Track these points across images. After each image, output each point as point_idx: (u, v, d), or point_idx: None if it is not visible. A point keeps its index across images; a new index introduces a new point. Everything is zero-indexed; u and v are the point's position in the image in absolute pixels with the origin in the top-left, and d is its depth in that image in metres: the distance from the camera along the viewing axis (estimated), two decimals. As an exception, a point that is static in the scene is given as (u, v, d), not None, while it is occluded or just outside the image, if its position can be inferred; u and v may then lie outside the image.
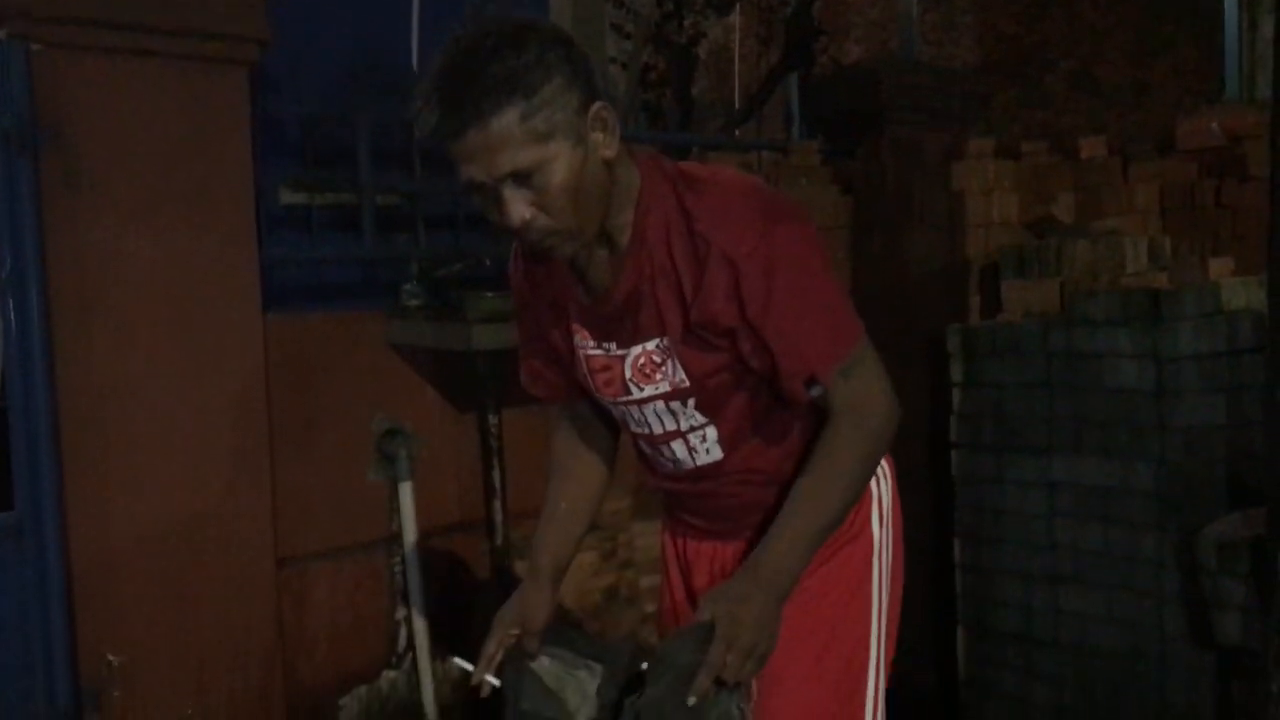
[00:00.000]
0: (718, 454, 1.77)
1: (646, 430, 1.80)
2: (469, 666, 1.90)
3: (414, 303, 3.68)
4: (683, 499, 1.90)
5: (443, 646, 3.86)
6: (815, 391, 1.65)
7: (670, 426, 1.76)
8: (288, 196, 3.66)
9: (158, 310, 3.20)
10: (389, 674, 3.81)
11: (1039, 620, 2.82)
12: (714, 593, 1.65)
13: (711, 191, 1.61)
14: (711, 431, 1.75)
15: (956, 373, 2.97)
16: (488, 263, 3.75)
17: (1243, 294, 2.78)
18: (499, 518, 3.82)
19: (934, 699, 3.23)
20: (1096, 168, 4.12)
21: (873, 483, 1.79)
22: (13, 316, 2.98)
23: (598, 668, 1.81)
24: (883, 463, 1.82)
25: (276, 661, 3.47)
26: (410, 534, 3.73)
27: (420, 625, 3.77)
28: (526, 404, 3.88)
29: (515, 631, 1.85)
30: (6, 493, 3.07)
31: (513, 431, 3.85)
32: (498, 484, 3.82)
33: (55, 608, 3.02)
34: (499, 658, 1.86)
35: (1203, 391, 2.60)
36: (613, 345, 1.73)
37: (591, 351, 1.76)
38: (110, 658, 3.13)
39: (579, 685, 1.81)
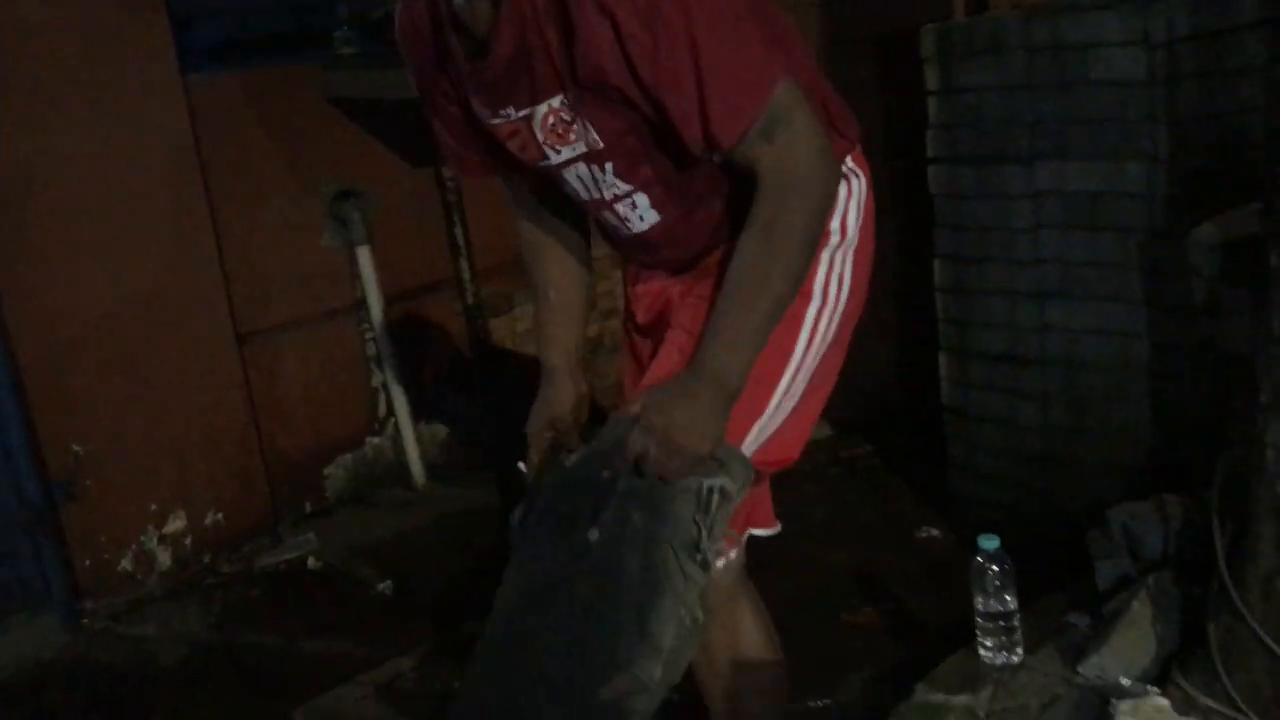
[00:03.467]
0: (653, 218, 1.61)
1: (578, 197, 1.65)
2: (523, 468, 1.80)
3: (348, 50, 3.40)
4: (632, 256, 1.79)
5: (423, 409, 3.81)
6: (717, 158, 1.47)
7: (595, 195, 1.61)
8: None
9: (68, 76, 2.95)
10: (372, 440, 3.77)
11: (1025, 338, 2.68)
12: (654, 387, 1.54)
13: None
14: (641, 198, 1.59)
15: (932, 79, 2.70)
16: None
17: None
18: (466, 275, 3.67)
19: (918, 427, 3.14)
20: None
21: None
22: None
23: None
24: (851, 163, 1.65)
25: (252, 436, 3.40)
26: (375, 299, 3.60)
27: (398, 390, 3.70)
28: (470, 179, 3.67)
29: (549, 434, 1.76)
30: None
31: (472, 184, 3.63)
32: (461, 241, 3.64)
33: (6, 400, 2.93)
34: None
35: (1199, 77, 2.34)
36: (510, 110, 1.53)
37: (493, 121, 1.57)
38: (75, 447, 3.06)
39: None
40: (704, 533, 1.50)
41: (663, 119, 1.45)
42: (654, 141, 1.51)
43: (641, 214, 1.61)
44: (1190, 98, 2.38)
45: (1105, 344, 2.55)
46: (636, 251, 1.74)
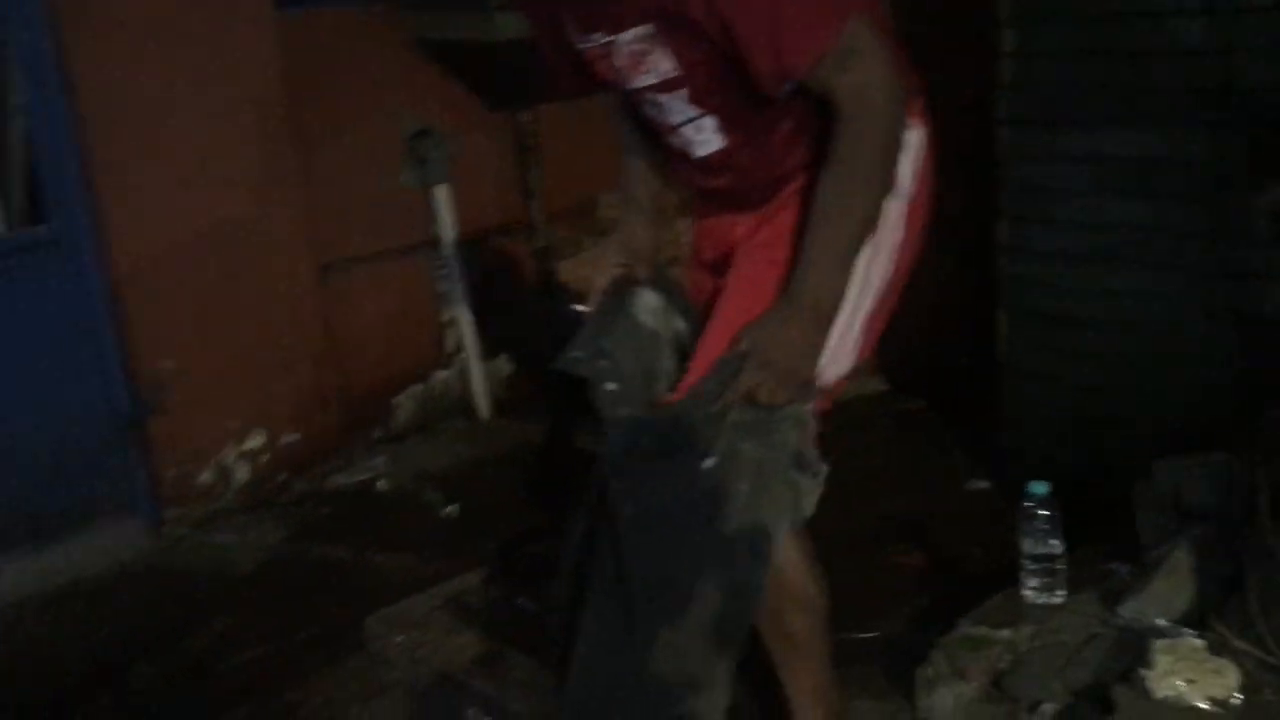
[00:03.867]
0: (718, 143, 1.69)
1: (651, 121, 1.74)
2: (584, 308, 1.90)
3: (434, -8, 3.49)
4: (697, 184, 1.85)
5: (491, 345, 3.94)
6: (786, 89, 1.55)
7: (665, 120, 1.70)
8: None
9: (164, 15, 3.08)
10: (440, 373, 3.91)
11: (1082, 300, 2.74)
12: (754, 320, 1.64)
13: None
14: (708, 122, 1.67)
15: (1007, 41, 2.76)
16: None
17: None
18: (539, 219, 3.78)
19: (973, 384, 3.21)
20: None
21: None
22: (22, 34, 2.89)
23: (684, 326, 1.83)
24: (907, 118, 1.70)
25: (328, 364, 3.55)
26: (449, 237, 3.72)
27: (467, 326, 3.83)
28: (560, 99, 3.76)
29: (622, 261, 1.86)
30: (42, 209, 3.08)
31: (548, 128, 3.74)
32: (534, 184, 3.74)
33: (102, 316, 3.09)
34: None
35: (1264, 48, 2.38)
36: (599, 34, 1.64)
37: (582, 44, 1.68)
38: (164, 364, 3.22)
39: (672, 331, 1.82)
40: (808, 449, 1.65)
41: (736, 51, 1.53)
42: (725, 74, 1.59)
43: (707, 138, 1.69)
44: (1255, 67, 2.42)
45: (1160, 307, 2.61)
46: (700, 177, 1.80)
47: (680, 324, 1.85)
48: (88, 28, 2.95)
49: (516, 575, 2.70)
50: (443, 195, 3.67)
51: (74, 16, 2.93)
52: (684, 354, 1.80)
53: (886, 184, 1.60)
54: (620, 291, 1.84)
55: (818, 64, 1.50)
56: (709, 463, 1.63)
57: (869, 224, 1.60)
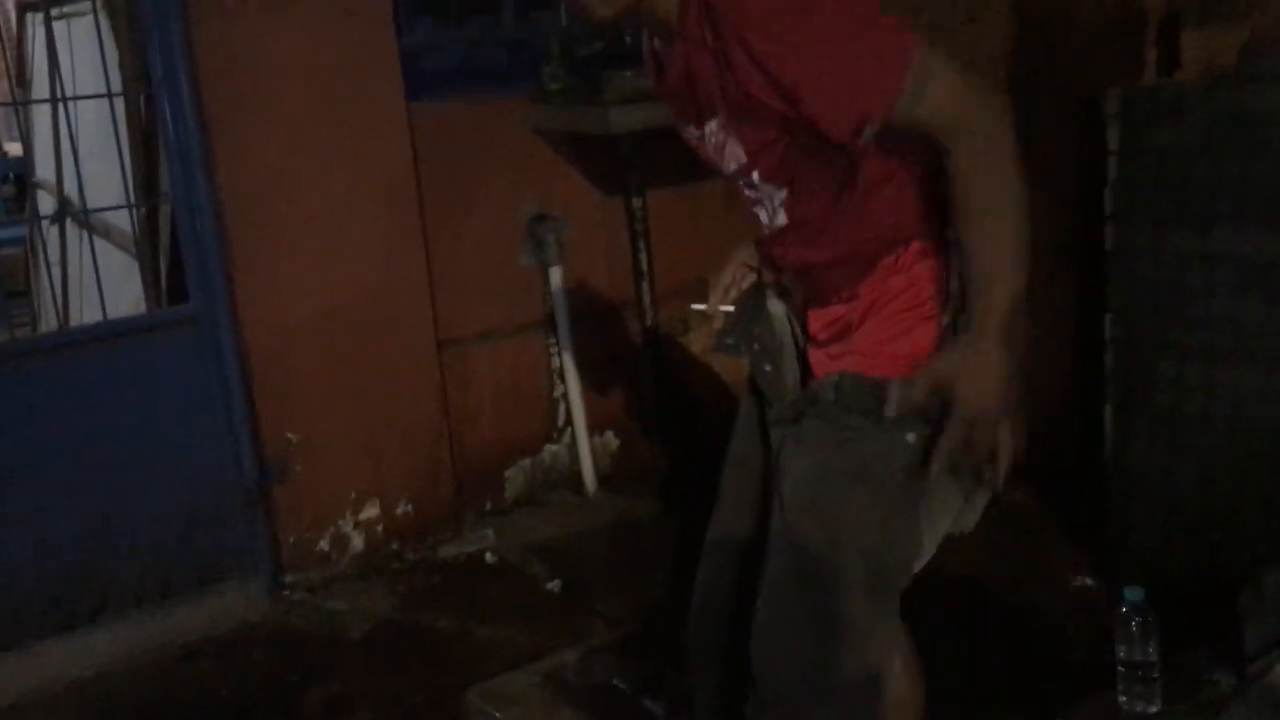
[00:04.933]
0: (783, 219, 1.72)
1: (749, 201, 1.79)
2: (701, 307, 1.95)
3: (555, 86, 3.65)
4: (775, 260, 1.85)
5: (599, 420, 4.04)
6: (868, 133, 1.53)
7: (748, 194, 1.76)
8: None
9: (305, 102, 3.28)
10: (550, 447, 4.01)
11: (1190, 396, 2.71)
12: (946, 355, 1.58)
13: None
14: (780, 195, 1.70)
15: (1113, 139, 2.78)
16: (628, 40, 3.66)
17: None
18: (647, 299, 3.88)
19: (1081, 477, 3.18)
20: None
21: None
22: (169, 117, 3.12)
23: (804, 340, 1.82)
24: None
25: (443, 436, 3.68)
26: (563, 316, 3.84)
27: (577, 401, 3.93)
28: (670, 185, 3.89)
29: (752, 264, 1.90)
30: (185, 287, 3.29)
31: (657, 213, 3.85)
32: (645, 265, 3.85)
33: (235, 389, 3.27)
34: (733, 290, 1.91)
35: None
36: (690, 126, 1.73)
37: (686, 136, 1.77)
38: (289, 435, 3.38)
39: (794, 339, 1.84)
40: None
41: (807, 117, 1.53)
42: (799, 149, 1.61)
43: (776, 210, 1.72)
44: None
45: (1271, 408, 2.58)
46: (774, 248, 1.81)
47: (801, 337, 1.83)
48: (234, 118, 3.17)
49: (612, 653, 2.76)
50: (557, 276, 3.80)
51: (223, 110, 3.15)
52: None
53: (1018, 177, 1.53)
54: (754, 292, 1.89)
55: (894, 105, 1.50)
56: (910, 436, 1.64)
57: (1018, 230, 1.53)
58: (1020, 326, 1.55)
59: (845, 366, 1.69)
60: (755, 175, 1.69)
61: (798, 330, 1.81)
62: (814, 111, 1.52)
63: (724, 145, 1.68)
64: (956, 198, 1.55)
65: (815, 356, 1.75)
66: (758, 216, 1.80)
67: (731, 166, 1.71)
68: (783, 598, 1.72)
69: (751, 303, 1.87)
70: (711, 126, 1.67)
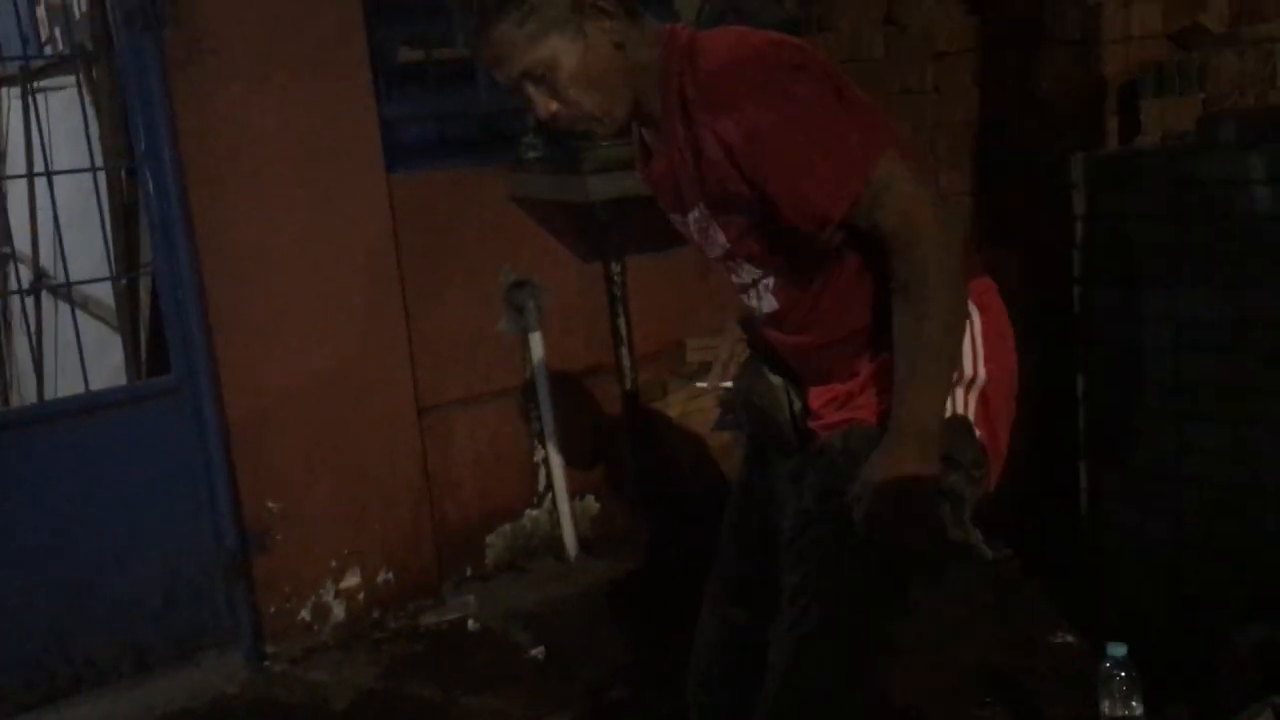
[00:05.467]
0: (772, 304, 1.78)
1: (733, 285, 1.85)
2: (704, 384, 2.02)
3: (532, 155, 3.71)
4: (764, 341, 1.92)
5: (580, 485, 4.05)
6: (829, 231, 1.62)
7: (735, 280, 1.82)
8: (406, 54, 3.70)
9: (286, 174, 3.32)
10: (531, 512, 4.02)
11: (1162, 455, 2.77)
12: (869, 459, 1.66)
13: (704, 71, 1.61)
14: (768, 281, 1.76)
15: (1079, 204, 2.86)
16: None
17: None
18: (626, 363, 3.92)
19: (1058, 534, 3.22)
20: (1254, -35, 3.77)
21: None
22: (151, 189, 3.15)
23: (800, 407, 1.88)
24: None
25: (424, 502, 3.68)
26: (543, 381, 3.87)
27: (558, 466, 3.95)
28: (647, 251, 3.95)
29: (746, 338, 1.95)
30: (166, 358, 3.31)
31: (635, 278, 3.90)
32: (624, 330, 3.89)
33: (216, 458, 3.27)
34: (732, 365, 1.96)
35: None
36: (677, 215, 1.80)
37: (670, 214, 1.83)
38: (270, 504, 3.38)
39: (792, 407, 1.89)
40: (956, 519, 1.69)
41: (774, 210, 1.61)
42: (773, 238, 1.68)
43: (763, 298, 1.78)
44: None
45: (1240, 465, 2.63)
46: (779, 336, 1.86)
47: (799, 404, 1.88)
48: (216, 190, 3.20)
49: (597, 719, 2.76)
50: (537, 341, 3.84)
51: (205, 182, 3.18)
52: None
53: (956, 296, 1.61)
54: (751, 365, 1.94)
55: (852, 208, 1.58)
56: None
57: (949, 343, 1.61)
58: (939, 437, 1.61)
59: (853, 417, 1.74)
60: (739, 260, 1.75)
61: (796, 403, 1.86)
62: (779, 206, 1.60)
63: (707, 230, 1.74)
64: (896, 302, 1.62)
65: (818, 426, 1.80)
66: (744, 301, 1.85)
67: (716, 252, 1.77)
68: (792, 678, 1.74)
69: (750, 371, 1.93)
70: (694, 214, 1.73)
